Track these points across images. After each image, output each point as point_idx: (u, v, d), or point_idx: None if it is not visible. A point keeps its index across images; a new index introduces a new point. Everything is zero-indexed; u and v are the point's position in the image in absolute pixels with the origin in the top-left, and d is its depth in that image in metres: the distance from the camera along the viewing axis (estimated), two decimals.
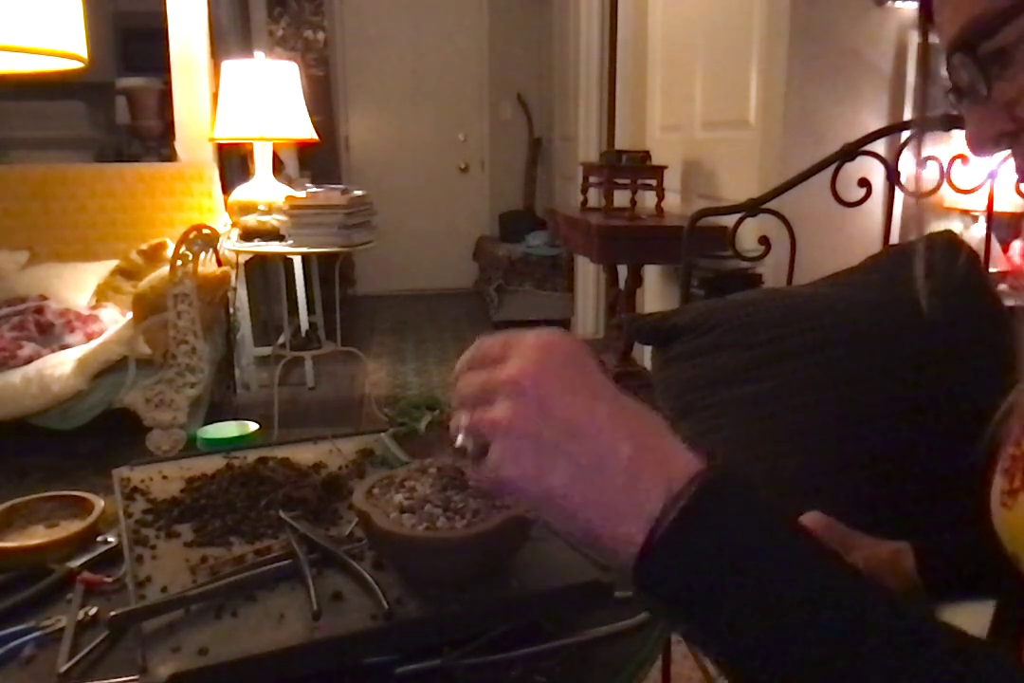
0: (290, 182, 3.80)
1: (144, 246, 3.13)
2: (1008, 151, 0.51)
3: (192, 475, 0.95)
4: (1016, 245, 2.22)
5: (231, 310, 3.36)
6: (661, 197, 2.82)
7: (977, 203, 2.10)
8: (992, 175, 1.36)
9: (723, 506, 0.42)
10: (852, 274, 1.23)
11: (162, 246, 3.10)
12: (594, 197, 3.16)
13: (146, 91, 4.61)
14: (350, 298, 5.38)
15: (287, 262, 3.72)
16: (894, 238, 1.49)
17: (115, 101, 4.75)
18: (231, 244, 3.11)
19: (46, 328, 2.85)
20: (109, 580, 0.82)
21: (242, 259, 3.36)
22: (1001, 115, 0.49)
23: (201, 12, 3.33)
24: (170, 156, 3.83)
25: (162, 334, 2.62)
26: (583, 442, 0.43)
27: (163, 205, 3.33)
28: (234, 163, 3.93)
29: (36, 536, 0.89)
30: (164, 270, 2.66)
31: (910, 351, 1.02)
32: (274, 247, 3.06)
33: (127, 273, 3.10)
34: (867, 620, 0.39)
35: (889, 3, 2.18)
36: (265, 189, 3.26)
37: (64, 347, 2.80)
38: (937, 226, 1.86)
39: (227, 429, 1.11)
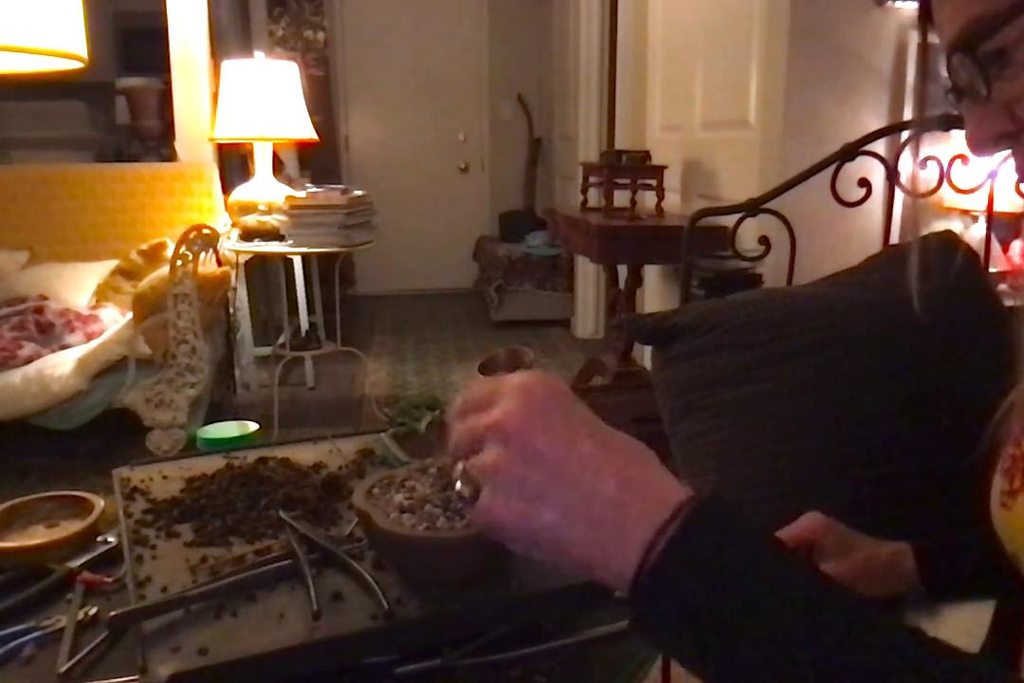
0: (290, 182, 3.80)
1: (144, 246, 3.13)
2: (1008, 151, 0.51)
3: (192, 475, 0.95)
4: (1016, 245, 2.22)
5: (231, 310, 3.36)
6: (661, 197, 2.82)
7: (977, 203, 2.10)
8: (992, 175, 1.35)
9: (709, 535, 0.42)
10: (852, 274, 1.23)
11: (162, 246, 3.10)
12: (594, 197, 3.16)
13: (146, 91, 4.61)
14: (350, 298, 5.38)
15: (287, 262, 3.72)
16: (894, 238, 1.49)
17: (115, 101, 4.75)
18: (231, 244, 3.11)
19: (46, 328, 2.85)
20: (109, 580, 0.82)
21: (242, 259, 3.36)
22: (1001, 115, 0.49)
23: (201, 12, 3.33)
24: (170, 156, 3.83)
25: (162, 334, 2.62)
26: (568, 481, 0.44)
27: (163, 205, 3.33)
28: (234, 163, 3.94)
29: (36, 536, 0.89)
30: (164, 270, 2.66)
31: (910, 351, 1.02)
32: (274, 247, 3.06)
33: (127, 273, 3.10)
34: (862, 645, 0.39)
35: (889, 3, 2.18)
36: (265, 189, 3.26)
37: (64, 347, 2.80)
38: (937, 226, 1.86)
39: (227, 429, 1.11)
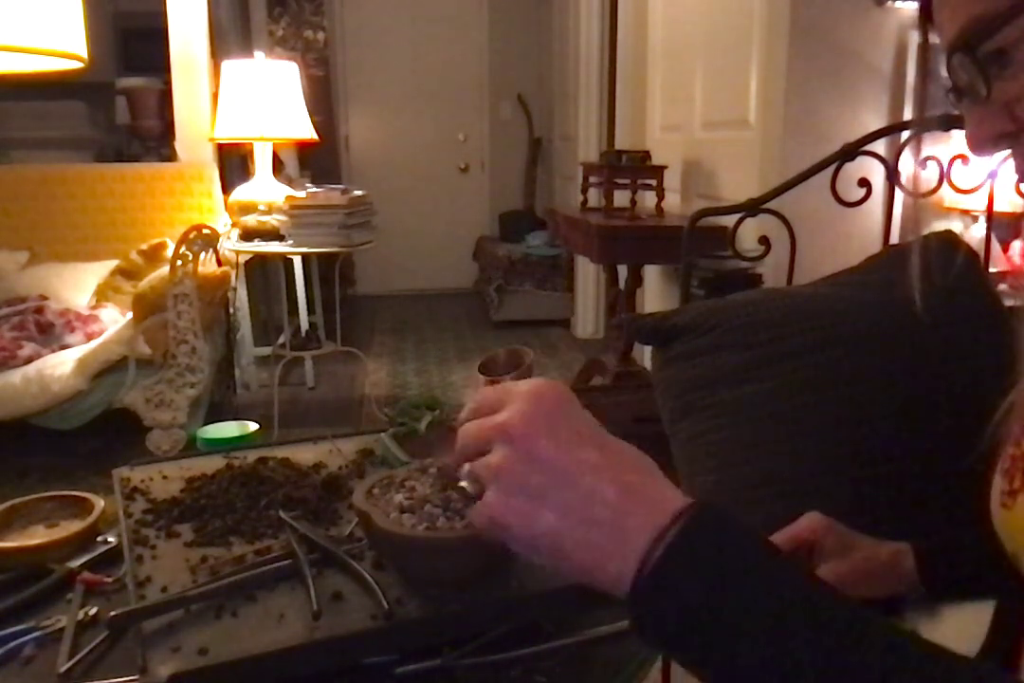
0: (290, 182, 3.80)
1: (144, 246, 3.13)
2: (1008, 151, 0.51)
3: (192, 475, 0.95)
4: (1016, 245, 2.22)
5: (231, 310, 3.36)
6: (661, 197, 2.82)
7: (977, 203, 2.10)
8: (992, 175, 1.35)
9: (708, 540, 0.43)
10: (852, 274, 1.23)
11: (162, 246, 3.10)
12: (594, 197, 3.16)
13: (146, 91, 4.60)
14: (350, 298, 5.38)
15: (287, 262, 3.72)
16: (894, 238, 1.49)
17: (115, 101, 4.75)
18: (231, 244, 3.11)
19: (46, 328, 2.85)
20: (109, 580, 0.82)
21: (242, 259, 3.36)
22: (1001, 115, 0.49)
23: (201, 12, 3.33)
24: (170, 156, 3.83)
25: (162, 334, 2.62)
26: (569, 486, 0.45)
27: (163, 205, 3.33)
28: (234, 163, 3.94)
29: (36, 536, 0.89)
30: (164, 270, 2.66)
31: (910, 351, 1.02)
32: (274, 247, 3.06)
33: (127, 273, 3.10)
34: (861, 645, 0.39)
35: (889, 3, 2.18)
36: (265, 189, 3.26)
37: (64, 347, 2.80)
38: (937, 226, 1.86)
39: (227, 429, 1.11)
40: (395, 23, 5.81)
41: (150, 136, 4.67)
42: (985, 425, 0.60)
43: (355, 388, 3.87)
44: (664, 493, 0.45)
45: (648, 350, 1.94)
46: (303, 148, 4.47)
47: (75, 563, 0.84)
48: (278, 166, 3.69)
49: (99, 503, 0.92)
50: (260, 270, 4.06)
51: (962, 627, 0.72)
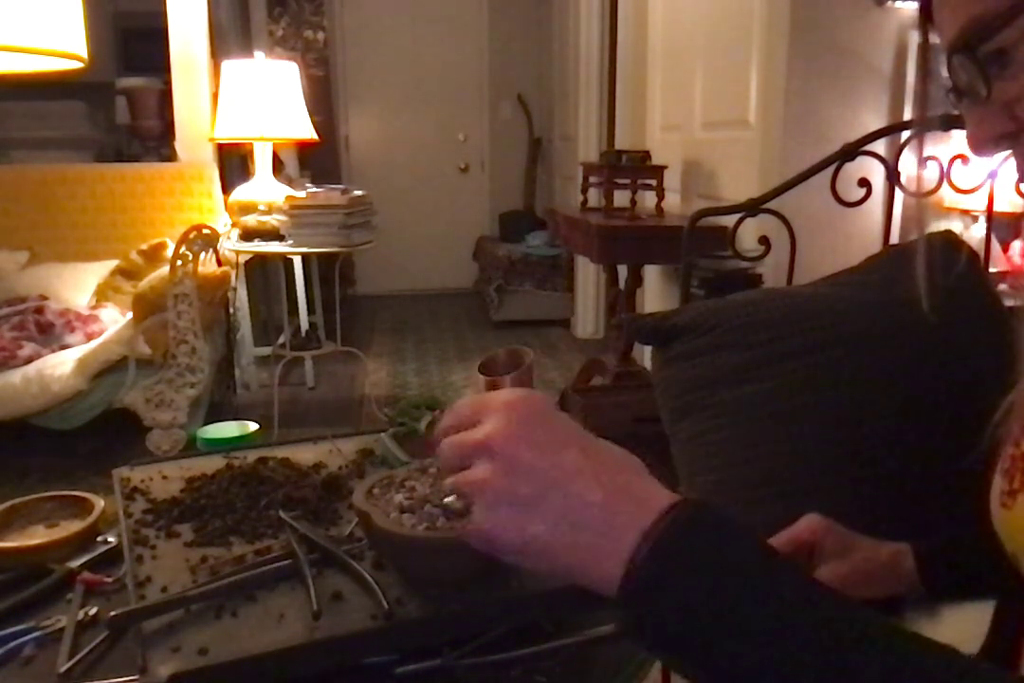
0: (290, 182, 3.80)
1: (144, 246, 3.13)
2: (1008, 151, 0.51)
3: (192, 475, 0.95)
4: (1016, 245, 2.22)
5: (231, 310, 3.36)
6: (661, 197, 2.82)
7: (977, 203, 2.10)
8: (992, 175, 1.36)
9: (697, 536, 0.43)
10: (852, 274, 1.23)
11: (162, 246, 3.10)
12: (594, 197, 3.16)
13: (146, 91, 4.60)
14: (350, 298, 5.38)
15: (287, 262, 3.72)
16: (894, 238, 1.49)
17: (115, 101, 4.74)
18: (231, 244, 3.11)
19: (46, 328, 2.85)
20: (109, 580, 0.82)
21: (242, 259, 3.36)
22: (1001, 115, 0.49)
23: (201, 12, 3.33)
24: (170, 156, 3.83)
25: (162, 334, 2.62)
26: (556, 492, 0.45)
27: (163, 205, 3.33)
28: (234, 163, 3.93)
29: (36, 536, 0.89)
30: (164, 270, 2.66)
31: (910, 351, 1.02)
32: (274, 247, 3.06)
33: (127, 273, 3.10)
34: (849, 649, 0.39)
35: (889, 3, 2.18)
36: (265, 189, 3.26)
37: (64, 347, 2.80)
38: (937, 226, 1.86)
39: (227, 429, 1.11)
40: (395, 23, 5.81)
41: (150, 136, 4.67)
42: (985, 425, 0.60)
43: (355, 388, 3.87)
44: (650, 491, 0.45)
45: (648, 350, 1.95)
46: (303, 148, 4.47)
47: (75, 563, 0.84)
48: (278, 166, 3.69)
49: (99, 503, 0.92)
50: (260, 270, 4.06)
51: (962, 627, 0.73)
